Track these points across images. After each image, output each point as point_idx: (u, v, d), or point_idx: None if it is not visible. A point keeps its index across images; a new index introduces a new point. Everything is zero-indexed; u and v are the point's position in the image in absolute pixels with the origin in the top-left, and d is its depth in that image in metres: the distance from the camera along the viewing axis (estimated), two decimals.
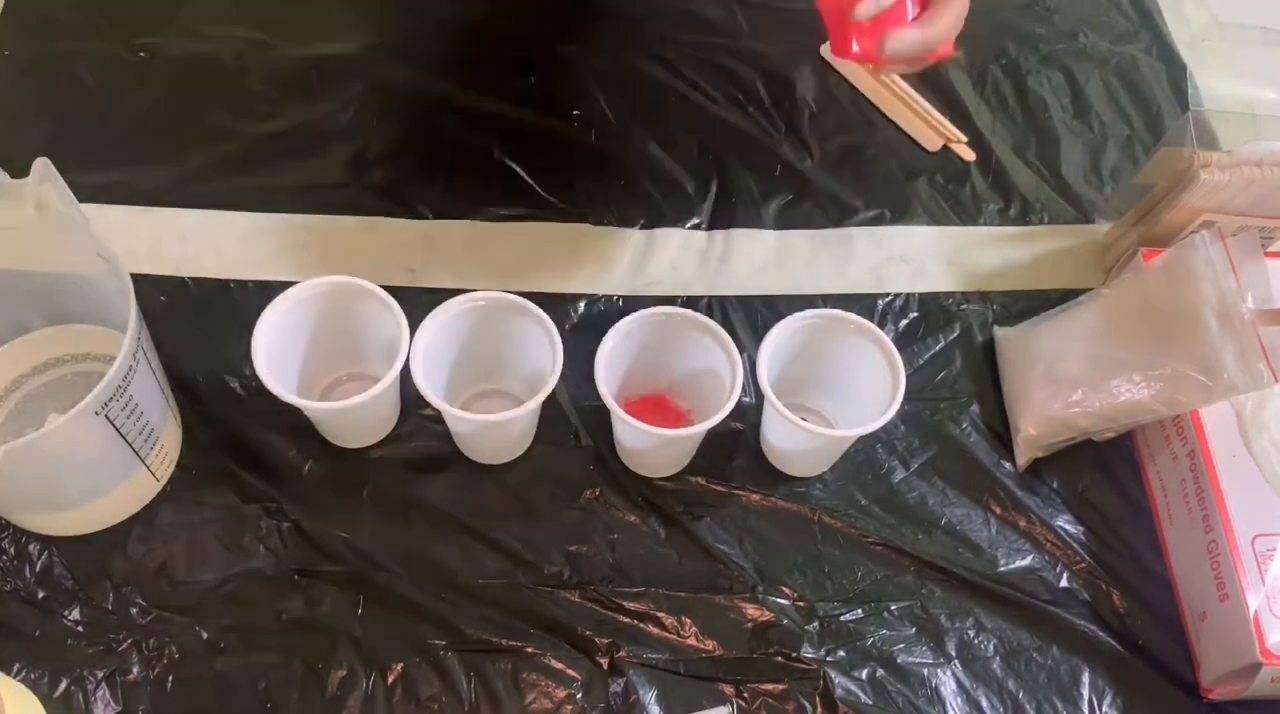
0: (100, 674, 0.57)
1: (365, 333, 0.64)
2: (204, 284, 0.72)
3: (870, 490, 0.67)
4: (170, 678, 0.58)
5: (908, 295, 0.76)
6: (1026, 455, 0.69)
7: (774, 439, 0.66)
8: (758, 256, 0.77)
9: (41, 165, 0.52)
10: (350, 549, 0.62)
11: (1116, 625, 0.64)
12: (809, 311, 0.63)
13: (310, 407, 0.60)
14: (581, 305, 0.73)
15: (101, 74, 0.81)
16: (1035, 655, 0.63)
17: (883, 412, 0.60)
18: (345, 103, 0.81)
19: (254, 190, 0.76)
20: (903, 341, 0.73)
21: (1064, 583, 0.65)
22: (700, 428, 0.60)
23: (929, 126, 0.84)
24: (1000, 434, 0.70)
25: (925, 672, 0.62)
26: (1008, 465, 0.69)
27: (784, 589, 0.63)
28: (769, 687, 0.60)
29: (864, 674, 0.61)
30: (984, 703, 0.61)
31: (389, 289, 0.62)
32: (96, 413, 0.53)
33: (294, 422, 0.65)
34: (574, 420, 0.68)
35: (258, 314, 0.60)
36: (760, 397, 0.62)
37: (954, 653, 0.62)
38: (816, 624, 0.62)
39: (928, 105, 0.85)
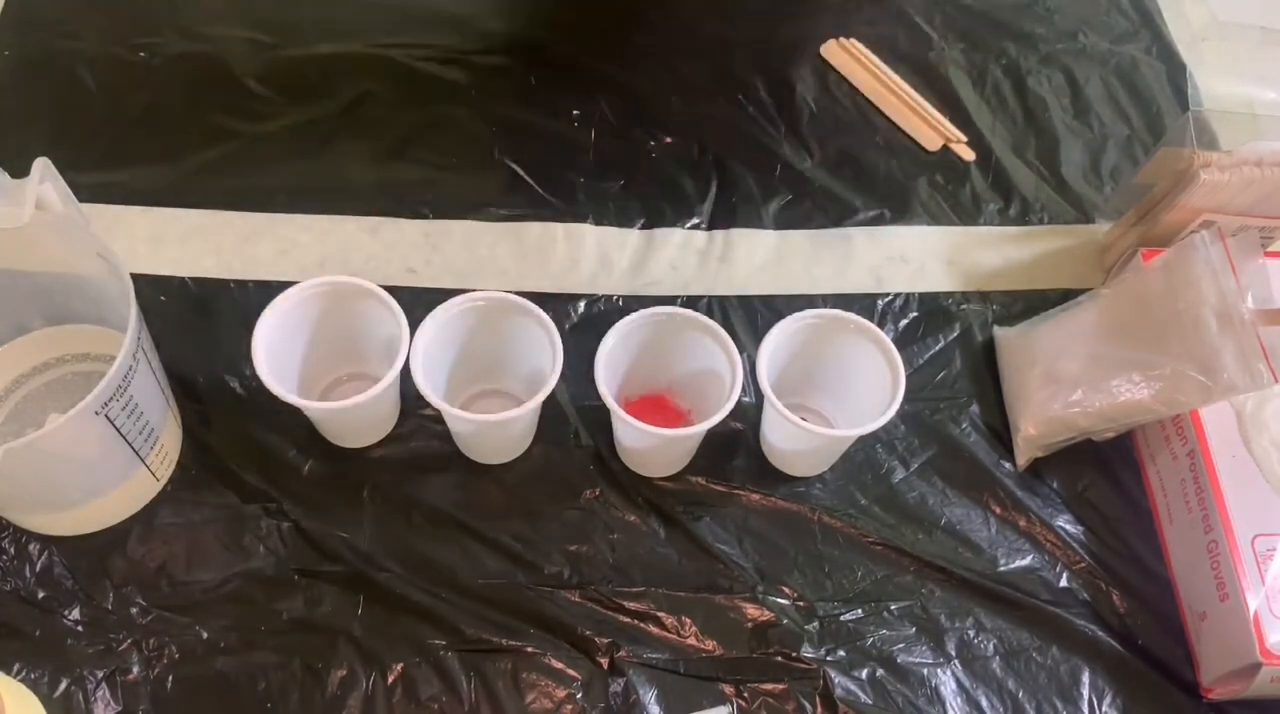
0: (100, 674, 0.57)
1: (365, 333, 0.64)
2: (204, 284, 0.72)
3: (870, 490, 0.67)
4: (170, 678, 0.58)
5: (908, 295, 0.76)
6: (1026, 455, 0.69)
7: (774, 439, 0.66)
8: (758, 256, 0.77)
9: (41, 165, 0.52)
10: (350, 549, 0.62)
11: (1116, 625, 0.64)
12: (809, 311, 0.63)
13: (310, 407, 0.60)
14: (581, 305, 0.73)
15: (101, 74, 0.81)
16: (1035, 655, 0.63)
17: (883, 412, 0.60)
18: (345, 103, 0.81)
19: (254, 190, 0.76)
20: (903, 342, 0.73)
21: (1064, 583, 0.65)
22: (700, 428, 0.60)
23: (929, 126, 0.84)
24: (1000, 434, 0.70)
25: (925, 671, 0.62)
26: (1008, 465, 0.69)
27: (784, 589, 0.63)
28: (769, 686, 0.60)
29: (864, 674, 0.61)
30: (984, 703, 0.61)
31: (389, 289, 0.62)
32: (96, 413, 0.53)
33: (294, 422, 0.65)
34: (574, 420, 0.68)
35: (258, 314, 0.60)
36: (760, 397, 0.62)
37: (954, 653, 0.62)
38: (816, 624, 0.62)
39: (928, 105, 0.85)
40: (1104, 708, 0.61)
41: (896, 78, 0.87)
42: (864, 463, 0.68)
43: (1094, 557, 0.66)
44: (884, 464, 0.68)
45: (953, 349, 0.74)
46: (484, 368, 0.66)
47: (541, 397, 0.59)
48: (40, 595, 0.59)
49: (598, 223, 0.77)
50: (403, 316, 0.60)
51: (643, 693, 0.59)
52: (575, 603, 0.62)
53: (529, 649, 0.60)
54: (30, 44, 0.83)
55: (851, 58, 0.88)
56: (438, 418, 0.66)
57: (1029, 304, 0.76)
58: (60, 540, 0.61)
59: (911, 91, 0.86)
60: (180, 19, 0.85)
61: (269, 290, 0.64)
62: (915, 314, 0.75)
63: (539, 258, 0.75)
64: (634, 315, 0.62)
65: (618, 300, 0.73)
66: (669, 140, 0.82)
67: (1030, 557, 0.66)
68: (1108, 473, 0.69)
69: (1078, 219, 0.81)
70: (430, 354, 0.61)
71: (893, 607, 0.63)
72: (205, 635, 0.59)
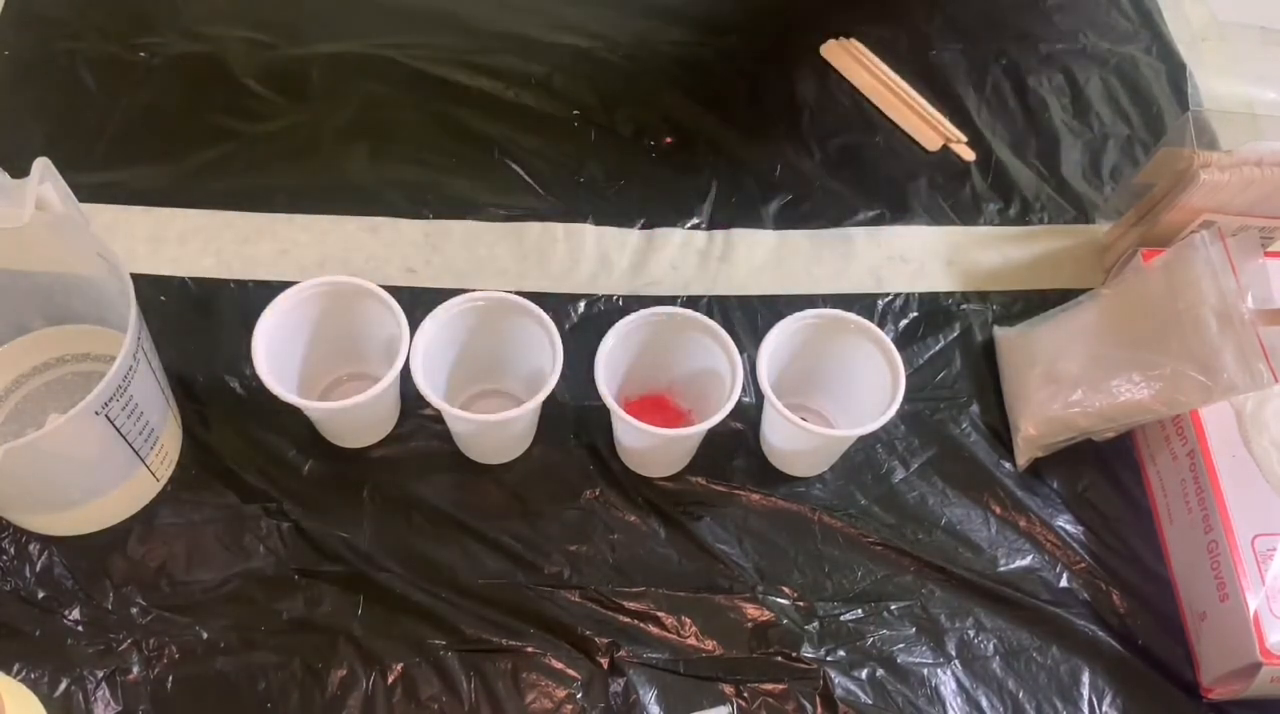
0: (100, 674, 0.57)
1: (365, 333, 0.64)
2: (204, 284, 0.72)
3: (870, 490, 0.67)
4: (170, 678, 0.58)
5: (908, 295, 0.76)
6: (1026, 455, 0.69)
7: (774, 439, 0.66)
8: (758, 256, 0.77)
9: (41, 165, 0.52)
10: (350, 549, 0.62)
11: (1116, 625, 0.64)
12: (809, 311, 0.63)
13: (310, 406, 0.60)
14: (581, 305, 0.73)
15: (101, 74, 0.81)
16: (1035, 655, 0.63)
17: (883, 412, 0.60)
18: (345, 103, 0.81)
19: (254, 190, 0.76)
20: (903, 342, 0.73)
21: (1064, 583, 0.65)
22: (700, 428, 0.60)
23: (929, 126, 0.84)
24: (1000, 434, 0.70)
25: (925, 671, 0.62)
26: (1008, 465, 0.69)
27: (784, 589, 0.63)
28: (769, 686, 0.60)
29: (864, 674, 0.61)
30: (984, 703, 0.61)
31: (389, 289, 0.61)
32: (96, 413, 0.53)
33: (294, 422, 0.65)
34: (574, 420, 0.68)
35: (258, 314, 0.60)
36: (760, 397, 0.62)
37: (954, 653, 0.62)
38: (816, 624, 0.62)
39: (928, 105, 0.85)
40: (1104, 708, 0.61)
41: (896, 78, 0.87)
42: (864, 463, 0.68)
43: (1094, 557, 0.66)
44: (884, 464, 0.68)
45: (953, 349, 0.74)
46: (484, 368, 0.66)
47: (541, 397, 0.59)
48: (40, 595, 0.59)
49: (598, 223, 0.77)
50: (403, 316, 0.60)
51: (643, 693, 0.59)
52: (575, 603, 0.62)
53: (529, 649, 0.60)
54: (30, 44, 0.83)
55: (851, 58, 0.88)
56: (438, 418, 0.66)
57: (1029, 304, 0.76)
58: (60, 540, 0.61)
59: (911, 91, 0.86)
60: (180, 19, 0.85)
61: (269, 290, 0.64)
62: (915, 314, 0.75)
63: (539, 258, 0.75)
64: (634, 315, 0.62)
65: (618, 300, 0.73)
66: (669, 140, 0.82)
67: (1030, 557, 0.66)
68: (1108, 473, 0.69)
69: (1078, 219, 0.81)
70: (430, 354, 0.61)
71: (893, 607, 0.63)
72: (205, 635, 0.59)
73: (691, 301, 0.74)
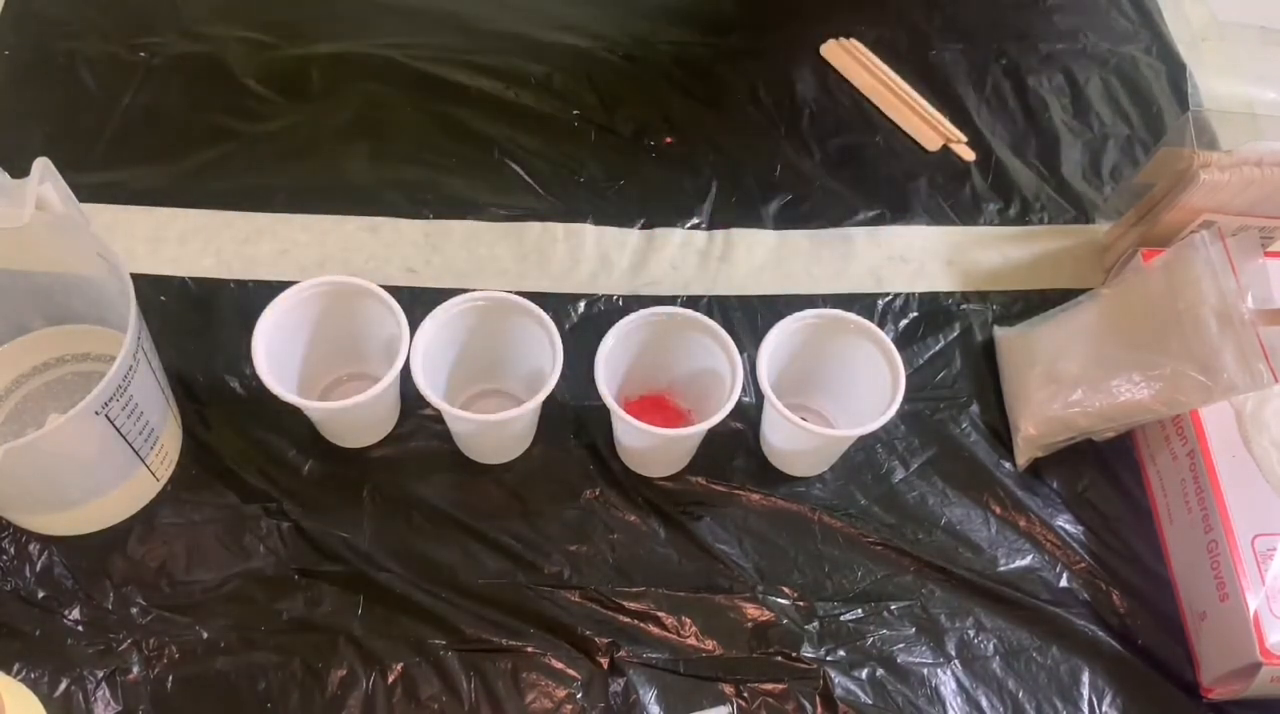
0: (100, 674, 0.57)
1: (365, 333, 0.64)
2: (204, 284, 0.72)
3: (870, 490, 0.67)
4: (170, 678, 0.58)
5: (908, 295, 0.76)
6: (1026, 455, 0.69)
7: (774, 439, 0.66)
8: (758, 256, 0.77)
9: (41, 165, 0.52)
10: (350, 549, 0.62)
11: (1116, 625, 0.64)
12: (809, 311, 0.63)
13: (310, 406, 0.60)
14: (581, 305, 0.73)
15: (101, 74, 0.81)
16: (1035, 655, 0.63)
17: (883, 412, 0.60)
18: (345, 103, 0.81)
19: (254, 190, 0.76)
20: (903, 342, 0.73)
21: (1064, 583, 0.65)
22: (700, 428, 0.60)
23: (929, 126, 0.84)
24: (1000, 434, 0.70)
25: (925, 671, 0.62)
26: (1008, 465, 0.69)
27: (784, 589, 0.63)
28: (769, 686, 0.60)
29: (864, 674, 0.61)
30: (984, 703, 0.61)
31: (389, 289, 0.61)
32: (96, 413, 0.53)
33: (294, 422, 0.65)
34: (574, 420, 0.68)
35: (258, 314, 0.60)
36: (760, 397, 0.62)
37: (954, 653, 0.62)
38: (816, 624, 0.62)
39: (928, 105, 0.85)
40: (1104, 708, 0.61)
41: (896, 78, 0.87)
42: (864, 463, 0.68)
43: (1094, 557, 0.66)
44: (884, 464, 0.68)
45: (953, 349, 0.74)
46: (484, 368, 0.66)
47: (541, 396, 0.59)
48: (40, 595, 0.59)
49: (598, 223, 0.77)
50: (403, 316, 0.60)
51: (643, 693, 0.59)
52: (575, 603, 0.62)
53: (529, 649, 0.60)
54: (30, 44, 0.83)
55: (851, 58, 0.88)
56: (438, 418, 0.66)
57: (1029, 304, 0.76)
58: (60, 540, 0.61)
59: (911, 91, 0.86)
60: (180, 19, 0.85)
61: (269, 290, 0.64)
62: (915, 314, 0.75)
63: (539, 258, 0.75)
64: (634, 315, 0.62)
65: (618, 300, 0.73)
66: (669, 140, 0.82)
67: (1030, 557, 0.66)
68: (1108, 473, 0.69)
69: (1078, 219, 0.81)
70: (430, 354, 0.61)
71: (893, 607, 0.63)
72: (205, 635, 0.59)
73: (691, 301, 0.74)
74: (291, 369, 0.63)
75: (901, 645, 0.62)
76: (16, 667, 0.57)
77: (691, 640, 0.61)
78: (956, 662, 0.62)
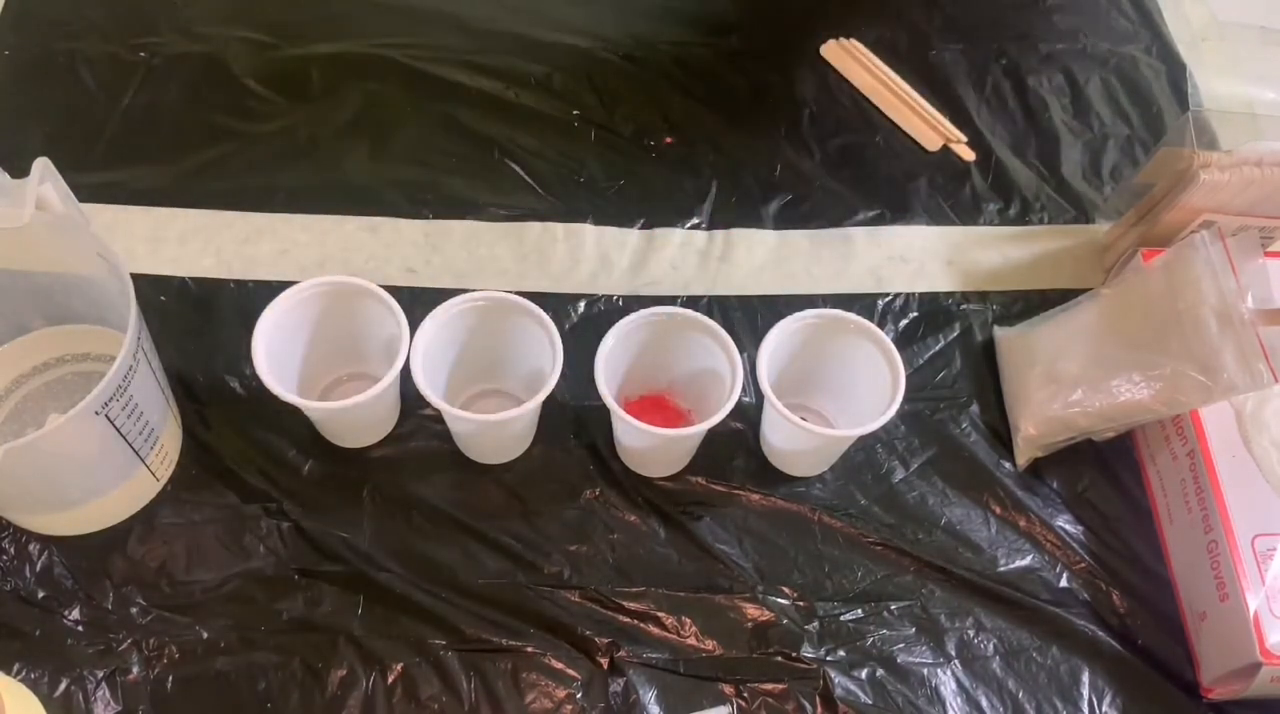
0: (100, 674, 0.57)
1: (365, 333, 0.64)
2: (204, 284, 0.72)
3: (870, 490, 0.67)
4: (170, 678, 0.58)
5: (908, 295, 0.76)
6: (1026, 455, 0.69)
7: (774, 439, 0.66)
8: (758, 256, 0.77)
9: (41, 165, 0.52)
10: (350, 549, 0.62)
11: (1116, 625, 0.64)
12: (809, 311, 0.63)
13: (310, 406, 0.60)
14: (581, 305, 0.73)
15: (101, 74, 0.81)
16: (1035, 655, 0.63)
17: (883, 412, 0.60)
18: (345, 103, 0.81)
19: (254, 190, 0.76)
20: (903, 342, 0.73)
21: (1064, 583, 0.65)
22: (700, 428, 0.60)
23: (929, 126, 0.84)
24: (1000, 434, 0.70)
25: (925, 671, 0.62)
26: (1008, 465, 0.69)
27: (784, 589, 0.63)
28: (769, 686, 0.60)
29: (864, 674, 0.61)
30: (984, 703, 0.61)
31: (389, 289, 0.61)
32: (96, 413, 0.53)
33: (294, 422, 0.65)
34: (574, 420, 0.68)
35: (258, 314, 0.60)
36: (760, 396, 0.62)
37: (954, 653, 0.62)
38: (816, 624, 0.62)
39: (928, 105, 0.85)
40: (1104, 708, 0.61)
41: (896, 78, 0.87)
42: (864, 463, 0.68)
43: (1094, 557, 0.66)
44: (884, 464, 0.68)
45: (953, 349, 0.74)
46: (484, 368, 0.66)
47: (541, 396, 0.59)
48: (40, 595, 0.59)
49: (598, 223, 0.77)
50: (403, 316, 0.60)
51: (643, 693, 0.59)
52: (575, 603, 0.62)
53: (529, 649, 0.60)
54: (30, 44, 0.83)
55: (851, 58, 0.88)
56: (438, 418, 0.66)
57: (1029, 304, 0.76)
58: (60, 540, 0.61)
59: (911, 91, 0.86)
60: (180, 19, 0.85)
61: (269, 290, 0.64)
62: (915, 314, 0.75)
63: (539, 258, 0.75)
64: (634, 315, 0.62)
65: (618, 300, 0.73)
66: (669, 140, 0.82)
67: (1030, 557, 0.66)
68: (1108, 473, 0.69)
69: (1078, 219, 0.81)
70: (430, 354, 0.61)
71: (893, 607, 0.63)
72: (205, 635, 0.59)
73: (691, 301, 0.74)
74: (291, 369, 0.63)
75: (901, 645, 0.62)
76: (16, 667, 0.57)
77: (691, 640, 0.61)
78: (956, 662, 0.62)
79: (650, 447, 0.64)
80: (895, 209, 0.80)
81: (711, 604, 0.63)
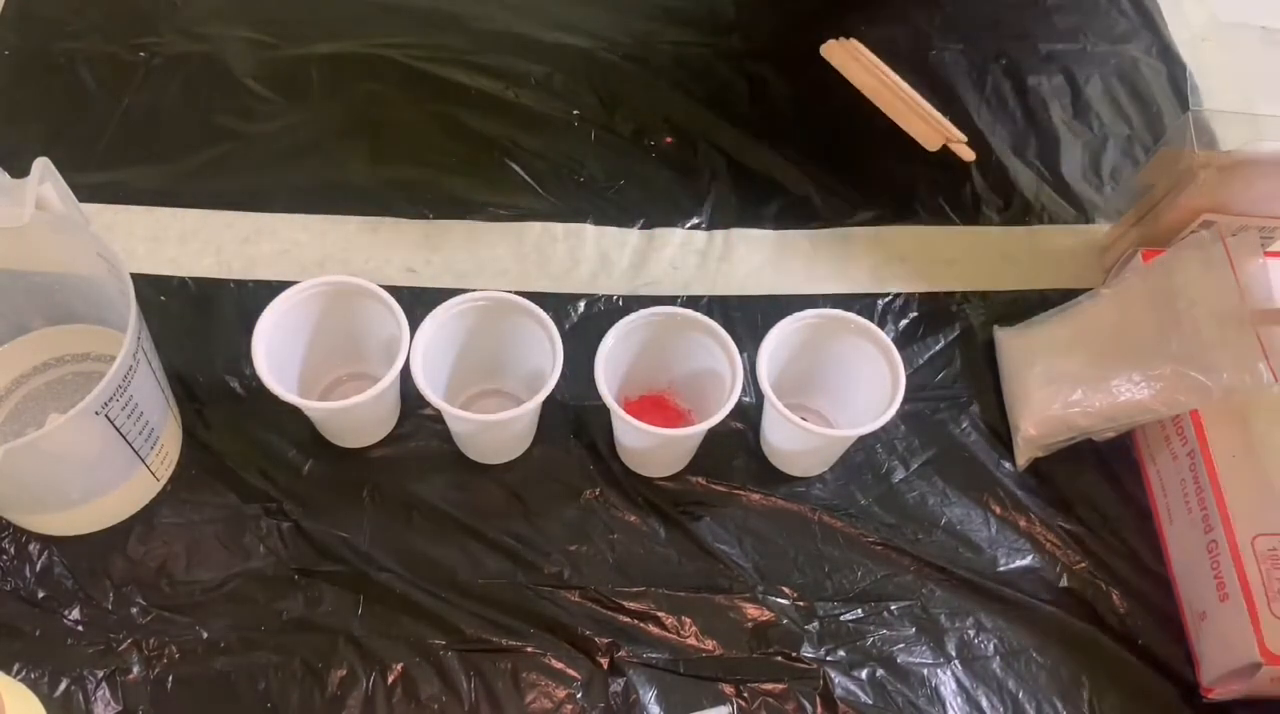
0: (100, 674, 0.57)
1: (365, 333, 0.64)
2: (204, 284, 0.72)
3: (870, 490, 0.67)
4: (170, 678, 0.58)
5: (908, 295, 0.76)
6: (1026, 455, 0.69)
7: (774, 439, 0.66)
8: (758, 256, 0.77)
9: (41, 165, 0.52)
10: (350, 549, 0.62)
11: (1116, 625, 0.64)
12: (809, 311, 0.63)
13: (310, 406, 0.60)
14: (581, 305, 0.73)
15: (101, 74, 0.81)
16: (1035, 655, 0.63)
17: (883, 412, 0.60)
18: (345, 103, 0.81)
19: (254, 190, 0.76)
20: (903, 342, 0.73)
21: (1064, 583, 0.65)
22: (700, 428, 0.60)
23: (929, 126, 0.84)
24: (1000, 434, 0.70)
25: (925, 671, 0.62)
26: (1008, 465, 0.69)
27: (784, 589, 0.63)
28: (769, 686, 0.60)
29: (864, 674, 0.61)
30: (984, 703, 0.61)
31: (389, 289, 0.62)
32: (96, 413, 0.53)
33: (294, 422, 0.65)
34: (574, 420, 0.68)
35: (258, 314, 0.60)
36: (760, 396, 0.62)
37: (954, 653, 0.62)
38: (816, 624, 0.62)
39: (928, 105, 0.85)
40: (1104, 708, 0.61)
41: (896, 78, 0.87)
42: (864, 463, 0.68)
43: (1094, 557, 0.66)
44: (884, 464, 0.68)
45: (953, 349, 0.74)
46: (484, 368, 0.66)
47: (541, 396, 0.59)
48: (40, 595, 0.59)
49: (598, 223, 0.77)
50: (403, 316, 0.60)
51: (643, 693, 0.59)
52: (575, 603, 0.62)
53: (529, 649, 0.60)
54: (30, 44, 0.83)
55: (851, 58, 0.88)
56: (438, 418, 0.66)
57: (1029, 304, 0.76)
58: (60, 540, 0.61)
59: (911, 91, 0.86)
60: (180, 19, 0.85)
61: (269, 290, 0.64)
62: (915, 314, 0.75)
63: (539, 258, 0.75)
64: (634, 315, 0.62)
65: (618, 300, 0.73)
66: (669, 140, 0.82)
67: (1030, 557, 0.66)
68: (1108, 473, 0.69)
69: (1078, 219, 0.81)
70: (430, 354, 0.61)
71: (893, 607, 0.63)
72: (205, 635, 0.59)
73: (691, 301, 0.74)
74: (291, 369, 0.63)
75: (901, 645, 0.62)
76: (16, 667, 0.57)
77: (691, 640, 0.61)
78: (956, 662, 0.62)
79: (650, 447, 0.64)
80: (895, 209, 0.80)
81: (711, 604, 0.63)
